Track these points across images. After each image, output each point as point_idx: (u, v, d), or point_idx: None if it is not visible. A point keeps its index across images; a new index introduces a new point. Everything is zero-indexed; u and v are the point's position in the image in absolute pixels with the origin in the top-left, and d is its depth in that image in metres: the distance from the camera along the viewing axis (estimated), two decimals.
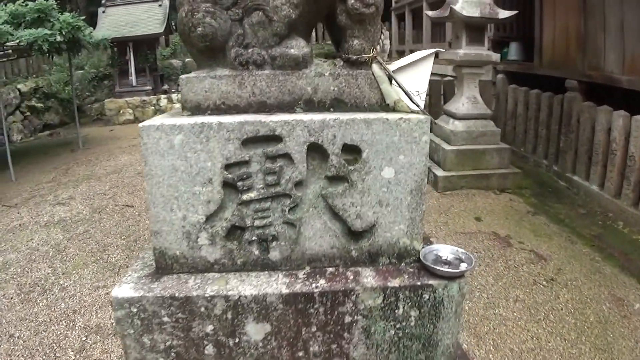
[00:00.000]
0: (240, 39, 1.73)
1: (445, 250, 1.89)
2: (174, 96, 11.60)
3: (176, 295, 1.67)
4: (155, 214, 1.73)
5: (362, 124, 1.71)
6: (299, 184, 1.76)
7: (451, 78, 5.30)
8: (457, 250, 1.88)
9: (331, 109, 1.82)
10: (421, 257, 1.81)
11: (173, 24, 12.74)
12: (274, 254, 1.82)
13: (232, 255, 1.80)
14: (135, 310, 1.67)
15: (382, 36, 1.82)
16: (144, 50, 11.49)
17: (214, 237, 1.77)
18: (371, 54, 1.78)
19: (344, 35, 1.81)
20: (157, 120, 1.70)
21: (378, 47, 1.80)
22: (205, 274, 1.80)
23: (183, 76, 1.77)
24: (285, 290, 1.70)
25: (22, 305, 2.99)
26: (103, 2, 11.21)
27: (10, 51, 6.85)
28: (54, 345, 2.49)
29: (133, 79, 11.51)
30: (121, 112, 11.55)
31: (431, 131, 5.46)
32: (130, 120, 11.25)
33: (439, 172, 4.75)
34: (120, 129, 10.36)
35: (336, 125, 1.70)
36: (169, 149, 1.67)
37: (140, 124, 1.65)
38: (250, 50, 1.74)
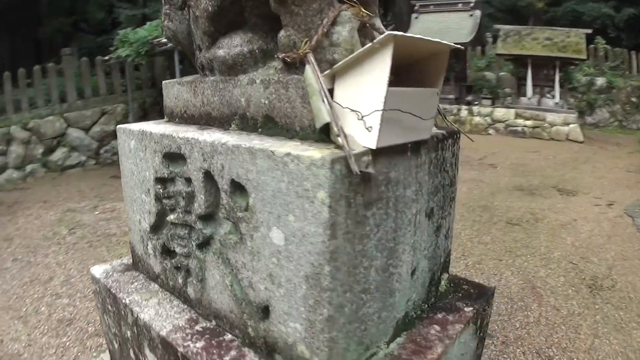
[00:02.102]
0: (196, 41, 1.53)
1: None
2: (475, 109, 11.04)
3: (111, 290, 1.74)
4: (128, 211, 1.84)
5: (246, 155, 1.17)
6: (206, 218, 1.41)
7: None
8: None
9: (259, 130, 1.33)
10: None
11: (489, 34, 12.06)
12: (190, 291, 1.55)
13: (166, 274, 1.67)
14: (98, 289, 1.87)
15: (326, 19, 1.13)
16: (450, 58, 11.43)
17: (155, 250, 1.70)
18: (301, 50, 1.15)
19: None
20: (129, 124, 1.77)
21: (316, 37, 1.13)
22: (152, 283, 1.76)
23: (165, 81, 1.74)
24: (163, 332, 1.44)
25: None
26: (416, 8, 11.73)
27: None
28: None
29: None
30: None
31: None
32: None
33: None
34: None
35: (224, 152, 1.24)
36: (128, 152, 1.71)
37: (118, 126, 1.78)
38: (201, 54, 1.51)
